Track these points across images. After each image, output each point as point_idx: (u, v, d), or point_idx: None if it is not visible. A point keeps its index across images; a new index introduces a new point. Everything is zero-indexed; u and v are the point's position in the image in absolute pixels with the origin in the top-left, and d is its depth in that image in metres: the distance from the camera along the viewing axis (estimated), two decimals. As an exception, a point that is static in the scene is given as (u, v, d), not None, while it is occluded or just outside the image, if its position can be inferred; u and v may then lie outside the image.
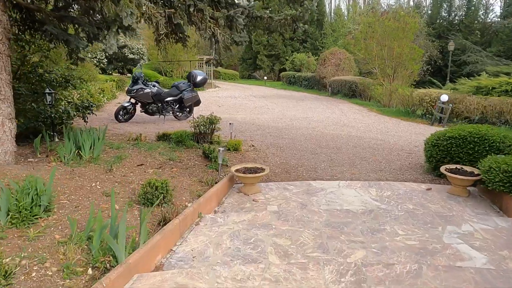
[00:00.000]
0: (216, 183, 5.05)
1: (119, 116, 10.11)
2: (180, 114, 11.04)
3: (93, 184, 4.78)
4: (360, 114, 13.87)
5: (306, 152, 7.53)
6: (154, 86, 10.29)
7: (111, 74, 29.64)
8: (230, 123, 7.78)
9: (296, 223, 3.87)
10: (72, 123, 8.27)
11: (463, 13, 33.75)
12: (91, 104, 8.10)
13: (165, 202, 4.13)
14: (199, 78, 10.80)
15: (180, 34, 6.66)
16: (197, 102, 10.97)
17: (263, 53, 37.79)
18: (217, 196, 4.67)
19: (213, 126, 7.42)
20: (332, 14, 46.61)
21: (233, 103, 16.69)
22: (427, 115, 12.53)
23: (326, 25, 39.47)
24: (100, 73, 27.46)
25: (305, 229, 3.71)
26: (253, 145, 7.93)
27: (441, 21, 34.48)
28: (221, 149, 5.24)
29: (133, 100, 10.25)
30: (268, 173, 5.17)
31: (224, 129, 9.09)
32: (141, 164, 5.97)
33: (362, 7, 45.21)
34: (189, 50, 24.05)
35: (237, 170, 5.04)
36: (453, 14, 35.32)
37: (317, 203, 4.63)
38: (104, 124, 9.85)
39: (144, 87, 10.06)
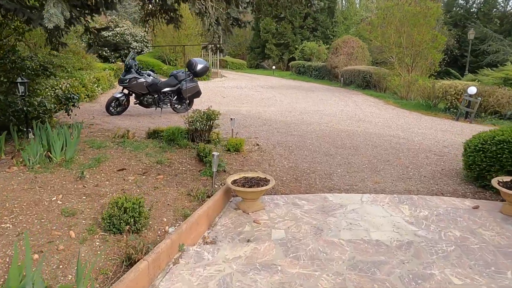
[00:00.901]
0: (208, 196, 4.06)
1: (111, 108, 9.14)
2: (179, 106, 10.03)
3: (54, 197, 3.81)
4: (376, 107, 12.73)
5: (319, 153, 6.48)
6: (149, 75, 9.27)
7: (114, 62, 28.74)
8: (231, 119, 6.76)
9: (310, 262, 2.86)
10: (55, 117, 7.33)
11: (482, 0, 32.03)
12: (73, 95, 7.12)
13: (136, 229, 3.14)
14: (199, 67, 9.76)
15: (171, 14, 5.61)
16: (197, 93, 9.95)
17: (271, 42, 36.50)
18: (208, 216, 3.66)
19: (211, 122, 6.39)
20: (343, 1, 44.99)
21: (239, 94, 15.63)
22: (451, 109, 11.36)
23: (337, 13, 37.96)
24: (102, 62, 26.61)
25: (322, 273, 2.70)
26: (257, 144, 6.91)
27: (458, 9, 32.85)
28: (216, 154, 4.22)
29: (126, 91, 9.26)
30: (274, 185, 4.15)
31: (226, 124, 8.09)
32: (122, 169, 4.99)
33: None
34: (193, 38, 22.98)
35: (234, 182, 4.03)
36: (470, 2, 33.63)
37: (336, 227, 3.60)
38: (93, 117, 8.92)
39: (138, 76, 9.06)
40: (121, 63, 29.38)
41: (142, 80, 9.07)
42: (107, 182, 4.46)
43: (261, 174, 4.21)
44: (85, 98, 11.06)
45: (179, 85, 9.62)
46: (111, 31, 27.13)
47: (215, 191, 4.16)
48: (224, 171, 5.16)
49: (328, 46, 27.27)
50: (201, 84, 20.15)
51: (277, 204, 4.16)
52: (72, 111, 7.56)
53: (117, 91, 9.85)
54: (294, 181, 5.09)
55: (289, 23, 36.33)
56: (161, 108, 9.73)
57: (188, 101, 10.18)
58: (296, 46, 31.97)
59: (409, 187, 4.94)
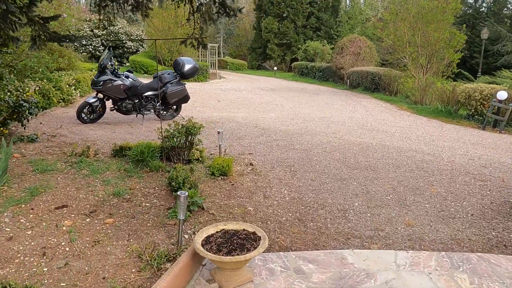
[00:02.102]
0: (170, 260, 2.72)
1: (83, 115, 7.82)
2: (164, 112, 8.70)
3: None
4: (389, 113, 11.35)
5: (329, 177, 5.12)
6: (127, 77, 7.93)
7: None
8: (218, 132, 5.41)
9: None
10: (8, 129, 6.01)
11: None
12: (24, 102, 5.80)
13: None
14: (187, 67, 8.41)
15: (136, -3, 4.29)
16: (185, 98, 8.60)
17: (273, 42, 35.12)
18: (161, 305, 2.32)
19: (192, 138, 5.05)
20: (347, 1, 43.62)
21: (236, 97, 14.29)
22: (476, 116, 9.98)
23: (341, 12, 36.59)
24: (94, 62, 25.33)
25: None
26: (251, 164, 5.55)
27: (467, 8, 31.44)
28: (183, 195, 2.87)
29: (101, 95, 7.93)
30: (267, 244, 2.79)
31: (216, 135, 6.76)
32: (63, 206, 3.67)
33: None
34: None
35: (208, 241, 2.67)
36: (480, 1, 32.27)
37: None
38: (61, 125, 7.59)
39: (113, 78, 7.72)
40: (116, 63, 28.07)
41: (119, 82, 7.74)
42: (30, 232, 3.13)
43: (248, 226, 2.85)
44: (59, 102, 9.74)
45: (164, 88, 8.29)
46: (105, 29, 25.91)
47: (180, 251, 2.82)
48: (203, 208, 3.82)
49: (333, 46, 25.88)
50: (197, 86, 18.91)
51: (272, 270, 2.81)
52: (28, 121, 6.26)
53: (92, 95, 8.50)
54: (297, 223, 3.74)
55: (292, 22, 35.00)
56: (143, 115, 8.40)
57: (175, 106, 8.85)
58: (299, 46, 30.61)
59: (456, 234, 3.58)
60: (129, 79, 7.91)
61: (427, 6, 12.23)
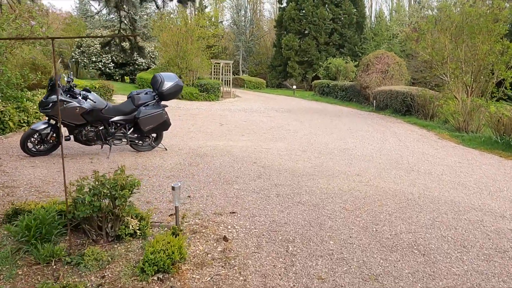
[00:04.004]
0: None
1: (29, 145, 6.03)
2: (140, 142, 6.82)
3: None
4: (428, 144, 9.10)
5: (350, 270, 3.02)
6: (85, 98, 6.10)
7: (118, 80, 26.23)
8: (173, 188, 3.39)
9: None
10: None
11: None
12: None
13: None
14: (167, 86, 6.53)
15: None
16: (164, 125, 6.69)
17: (294, 60, 33.35)
18: None
19: (122, 200, 3.08)
20: (372, 18, 41.60)
21: (244, 119, 12.36)
22: (546, 151, 7.63)
23: (366, 29, 34.54)
24: (105, 79, 24.08)
25: None
26: (225, 239, 3.51)
27: None
28: None
29: (54, 121, 6.14)
30: None
31: (199, 175, 4.80)
32: None
33: (407, 9, 39.94)
34: (201, 51, 20.10)
35: None
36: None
37: None
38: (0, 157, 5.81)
39: (66, 99, 5.92)
40: (126, 82, 26.92)
41: (73, 104, 5.92)
42: None
43: None
44: (22, 127, 8.05)
45: (136, 112, 6.44)
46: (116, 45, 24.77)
47: None
48: None
49: (357, 63, 23.80)
50: (205, 106, 16.95)
51: None
52: None
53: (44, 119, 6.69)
54: None
55: (313, 39, 33.21)
56: (110, 146, 6.54)
57: (156, 134, 6.97)
58: (321, 63, 28.67)
59: None
60: (88, 100, 6.08)
61: (474, 13, 10.05)
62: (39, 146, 6.12)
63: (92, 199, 2.89)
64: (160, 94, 6.57)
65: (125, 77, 28.03)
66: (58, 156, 6.22)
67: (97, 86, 13.98)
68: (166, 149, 7.13)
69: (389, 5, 45.19)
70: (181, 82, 6.77)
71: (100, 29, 27.31)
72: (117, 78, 26.11)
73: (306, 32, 34.19)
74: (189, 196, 4.65)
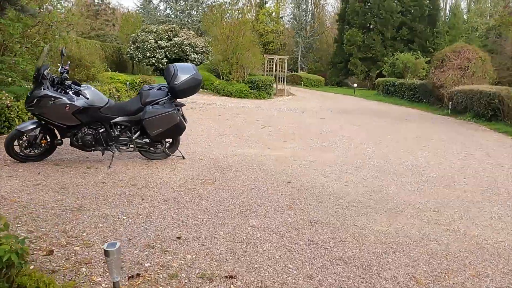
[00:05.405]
0: None
1: (16, 148, 4.99)
2: (151, 149, 5.54)
3: None
4: (529, 162, 6.86)
5: None
6: (78, 92, 4.90)
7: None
8: (105, 252, 1.95)
9: None
10: None
11: None
12: None
13: None
14: (181, 79, 5.14)
15: None
16: (175, 129, 5.30)
17: (356, 56, 30.88)
18: None
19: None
20: (447, 10, 37.48)
21: (291, 121, 10.76)
22: None
23: (440, 22, 30.96)
24: (158, 75, 23.67)
25: None
26: None
27: None
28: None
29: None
30: None
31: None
32: None
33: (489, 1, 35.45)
34: (251, 46, 18.74)
35: None
36: None
37: None
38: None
39: (54, 94, 4.77)
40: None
41: (63, 101, 4.75)
42: None
43: None
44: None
45: (142, 112, 5.16)
46: (169, 40, 24.30)
47: None
48: None
49: (429, 59, 21.00)
50: (253, 104, 15.38)
51: None
52: None
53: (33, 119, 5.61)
54: None
55: (379, 33, 30.47)
56: (112, 153, 5.33)
57: (171, 140, 5.66)
58: (386, 60, 26.01)
59: None
60: (81, 95, 4.88)
61: None
62: (28, 150, 5.06)
63: None
64: (171, 90, 5.22)
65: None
66: (52, 163, 5.13)
67: (137, 81, 13.20)
68: (183, 158, 5.80)
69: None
70: (199, 76, 5.35)
71: (156, 24, 27.12)
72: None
73: (370, 26, 31.54)
74: (179, 237, 3.21)
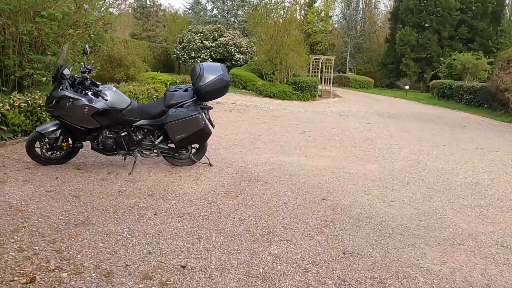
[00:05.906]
0: None
1: (37, 150, 4.80)
2: (176, 154, 5.15)
3: None
4: None
5: None
6: (98, 93, 4.60)
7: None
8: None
9: None
10: None
11: None
12: None
13: None
14: (207, 80, 4.69)
15: None
16: (200, 134, 4.85)
17: (409, 56, 29.14)
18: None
19: None
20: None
21: (334, 126, 10.03)
22: None
23: (505, 20, 28.42)
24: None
25: None
26: None
27: None
28: None
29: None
30: None
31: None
32: None
33: None
34: (296, 46, 18.07)
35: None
36: None
37: None
38: (4, 165, 4.70)
39: (73, 95, 4.50)
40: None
41: (82, 102, 4.48)
42: None
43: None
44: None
45: (164, 116, 4.76)
46: (215, 40, 24.24)
47: None
48: None
49: (492, 60, 19.18)
50: (295, 107, 14.58)
51: None
52: None
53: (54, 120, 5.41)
54: None
55: (435, 33, 28.52)
56: (135, 158, 5.01)
57: (198, 145, 5.24)
58: (442, 60, 24.22)
59: None
60: (100, 96, 4.57)
61: None
62: (49, 153, 4.86)
63: None
64: (196, 91, 4.78)
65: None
66: (73, 167, 4.89)
67: (178, 81, 13.06)
68: (211, 165, 5.36)
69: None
70: (227, 77, 4.86)
71: (202, 24, 27.22)
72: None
73: (426, 25, 29.65)
74: (184, 266, 2.73)
